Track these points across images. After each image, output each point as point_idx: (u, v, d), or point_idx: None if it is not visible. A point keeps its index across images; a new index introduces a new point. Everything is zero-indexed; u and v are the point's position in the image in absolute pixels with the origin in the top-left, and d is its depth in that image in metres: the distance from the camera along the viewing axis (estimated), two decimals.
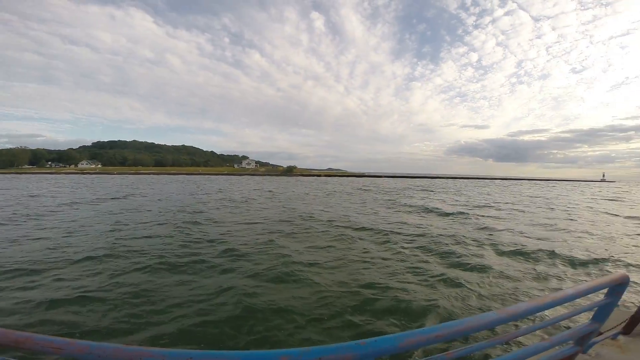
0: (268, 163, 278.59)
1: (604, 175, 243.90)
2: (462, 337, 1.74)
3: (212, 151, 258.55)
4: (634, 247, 13.47)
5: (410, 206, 26.92)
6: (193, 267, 8.53)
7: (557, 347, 2.30)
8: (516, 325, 5.12)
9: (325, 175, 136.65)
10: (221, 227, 14.63)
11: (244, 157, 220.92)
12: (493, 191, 55.06)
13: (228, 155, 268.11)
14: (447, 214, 21.51)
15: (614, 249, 12.48)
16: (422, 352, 4.41)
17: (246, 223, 16.26)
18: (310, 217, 18.90)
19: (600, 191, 68.31)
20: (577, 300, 2.04)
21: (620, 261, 10.82)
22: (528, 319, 5.52)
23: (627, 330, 3.39)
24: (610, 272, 9.87)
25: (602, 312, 2.31)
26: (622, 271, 2.21)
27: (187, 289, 6.92)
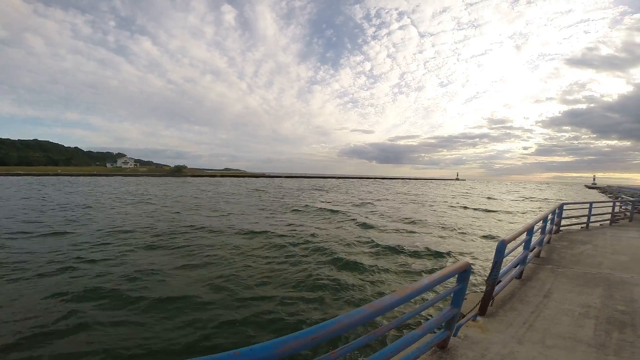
0: (151, 162, 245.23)
1: (457, 175, 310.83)
2: (337, 335, 1.52)
3: (76, 147, 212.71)
4: (479, 240, 15.69)
5: (305, 206, 26.91)
6: None
7: (430, 334, 2.53)
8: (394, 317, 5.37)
9: (221, 176, 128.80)
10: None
11: (120, 155, 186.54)
12: (375, 189, 60.78)
13: (99, 152, 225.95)
14: (335, 211, 22.18)
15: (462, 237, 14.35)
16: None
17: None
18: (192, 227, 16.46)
19: (455, 188, 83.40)
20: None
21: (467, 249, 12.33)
22: (400, 310, 5.83)
23: (482, 311, 3.85)
24: (458, 259, 10.91)
25: (457, 297, 2.63)
26: (465, 260, 2.54)
27: None
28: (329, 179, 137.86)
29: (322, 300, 6.94)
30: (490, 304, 3.93)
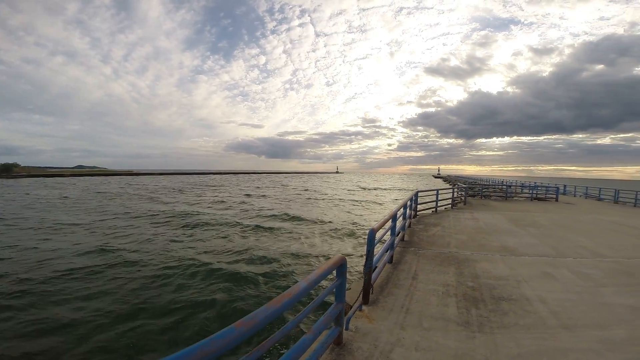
0: None
1: (337, 169, 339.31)
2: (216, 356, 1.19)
3: None
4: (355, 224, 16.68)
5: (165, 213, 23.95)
6: None
7: (325, 332, 2.60)
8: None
9: (71, 175, 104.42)
10: None
11: None
12: (263, 184, 59.88)
13: None
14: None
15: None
16: None
17: None
18: None
19: (338, 180, 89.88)
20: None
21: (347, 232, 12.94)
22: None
23: (365, 300, 3.96)
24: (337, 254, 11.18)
25: (339, 292, 2.63)
26: (340, 255, 2.50)
27: None
28: (212, 175, 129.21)
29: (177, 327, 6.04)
30: (370, 291, 4.02)
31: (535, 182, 30.83)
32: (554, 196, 20.19)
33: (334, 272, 2.54)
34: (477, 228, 9.40)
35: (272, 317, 1.57)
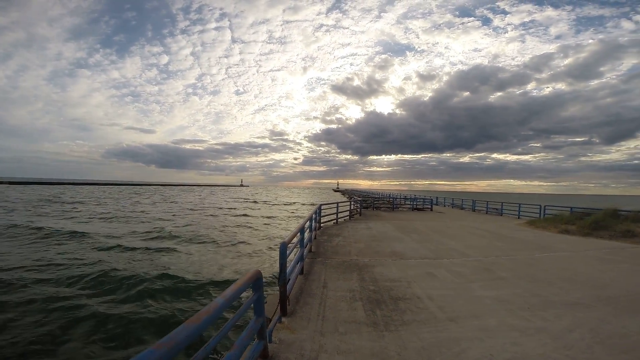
0: None
1: (242, 181, 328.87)
2: None
3: None
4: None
5: None
6: None
7: (250, 347, 2.63)
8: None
9: None
10: None
11: None
12: (143, 200, 49.26)
13: None
14: None
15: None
16: None
17: None
18: None
19: (237, 194, 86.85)
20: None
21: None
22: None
23: (284, 312, 3.96)
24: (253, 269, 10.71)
25: (258, 306, 2.59)
26: (255, 269, 2.48)
27: None
28: (82, 187, 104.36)
29: None
30: (287, 303, 4.07)
31: (415, 195, 35.80)
32: (430, 206, 23.83)
33: (251, 286, 2.52)
34: (372, 236, 10.31)
35: (194, 335, 1.49)
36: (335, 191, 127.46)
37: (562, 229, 11.96)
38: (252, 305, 2.59)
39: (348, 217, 15.94)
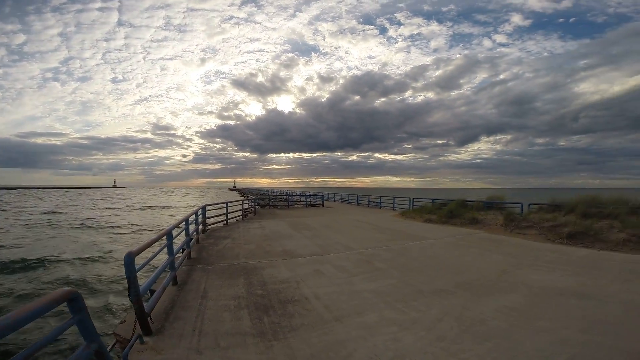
0: None
1: (115, 182, 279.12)
2: None
3: None
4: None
5: None
6: None
7: None
8: None
9: None
10: None
11: None
12: None
13: None
14: None
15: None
16: None
17: None
18: None
19: (104, 197, 74.58)
20: None
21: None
22: None
23: (146, 331, 3.45)
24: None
25: (85, 329, 2.24)
26: (65, 289, 2.07)
27: None
28: None
29: None
30: (150, 320, 3.61)
31: (309, 192, 37.19)
32: (321, 202, 24.97)
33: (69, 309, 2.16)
34: (264, 236, 10.03)
35: None
36: (232, 190, 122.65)
37: (426, 218, 13.99)
38: (78, 329, 2.25)
39: (241, 217, 15.26)
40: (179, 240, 6.40)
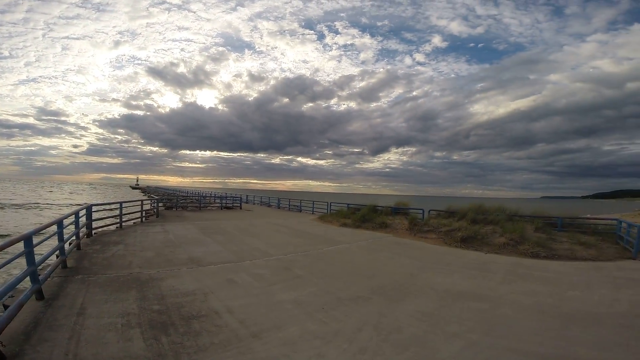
0: None
1: None
2: None
3: None
4: None
5: None
6: None
7: None
8: None
9: None
10: None
11: None
12: None
13: None
14: None
15: None
16: None
17: None
18: None
19: None
20: None
21: None
22: None
23: None
24: None
25: None
26: None
27: None
28: None
29: None
30: None
31: (226, 193, 35.24)
32: (239, 205, 23.74)
33: None
34: (167, 241, 8.86)
35: None
36: (134, 188, 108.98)
37: (342, 222, 14.34)
38: None
39: (140, 219, 13.35)
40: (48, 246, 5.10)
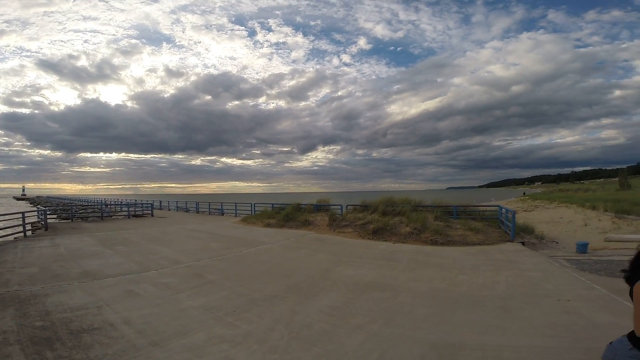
0: None
1: None
2: None
3: None
4: None
5: None
6: None
7: None
8: None
9: None
10: None
11: None
12: None
13: None
14: None
15: None
16: None
17: None
18: None
19: None
20: None
21: None
22: None
23: None
24: None
25: None
26: None
27: None
28: None
29: None
30: None
31: (135, 200, 31.88)
32: (150, 212, 21.71)
33: None
34: (57, 256, 7.72)
35: None
36: (20, 199, 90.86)
37: (266, 223, 14.21)
38: None
39: (23, 234, 11.28)
40: None
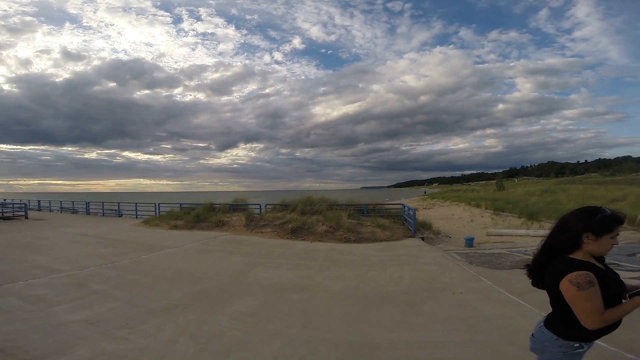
0: None
1: None
2: None
3: None
4: None
5: None
6: None
7: None
8: None
9: None
10: None
11: None
12: None
13: None
14: None
15: None
16: None
17: None
18: None
19: None
20: None
21: None
22: None
23: None
24: None
25: None
26: None
27: None
28: None
29: None
30: None
31: (5, 199, 26.02)
32: (23, 214, 17.82)
33: None
34: None
35: None
36: None
37: (173, 224, 12.89)
38: None
39: None
40: None
